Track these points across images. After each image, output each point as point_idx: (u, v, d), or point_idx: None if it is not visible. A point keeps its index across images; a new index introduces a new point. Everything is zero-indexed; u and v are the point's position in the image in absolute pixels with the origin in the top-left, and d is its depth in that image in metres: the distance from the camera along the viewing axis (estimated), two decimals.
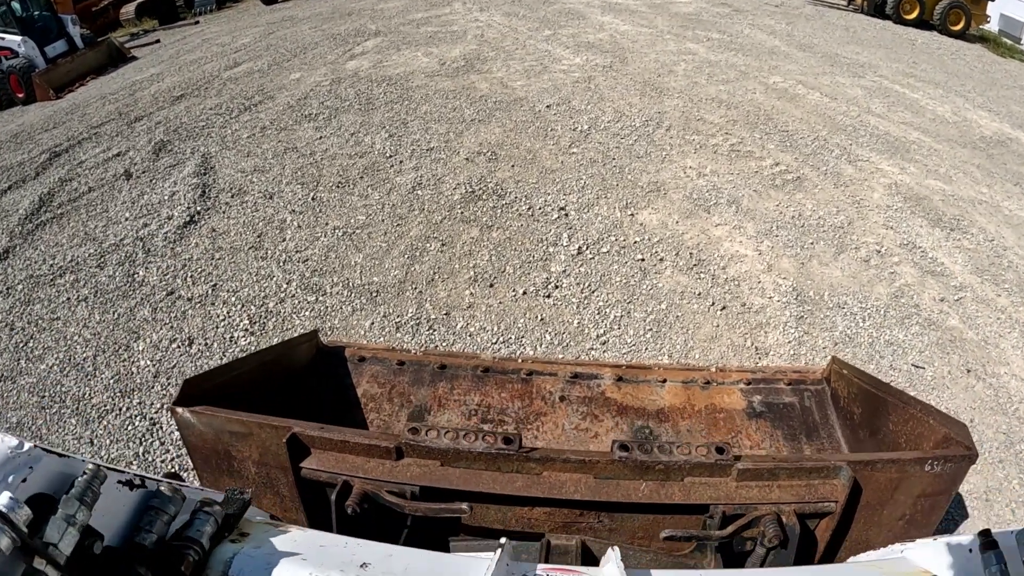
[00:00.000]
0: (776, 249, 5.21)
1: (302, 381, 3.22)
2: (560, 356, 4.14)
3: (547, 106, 7.49)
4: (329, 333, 4.40)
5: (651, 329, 4.38)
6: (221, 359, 4.25)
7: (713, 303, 4.64)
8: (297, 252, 5.16)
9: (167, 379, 4.16)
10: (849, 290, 4.88)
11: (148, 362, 4.27)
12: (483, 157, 6.32)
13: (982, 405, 4.18)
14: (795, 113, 7.75)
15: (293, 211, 5.66)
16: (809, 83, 8.85)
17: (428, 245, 5.14)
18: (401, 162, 6.30)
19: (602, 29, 10.94)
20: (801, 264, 5.09)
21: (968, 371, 4.43)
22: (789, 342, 4.38)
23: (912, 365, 4.41)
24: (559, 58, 9.31)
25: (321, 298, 4.70)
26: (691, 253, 5.09)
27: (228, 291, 4.84)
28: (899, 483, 2.36)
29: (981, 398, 4.24)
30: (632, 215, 5.52)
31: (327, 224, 5.46)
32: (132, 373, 4.21)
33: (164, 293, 4.84)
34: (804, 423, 3.38)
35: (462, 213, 5.48)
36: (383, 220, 5.46)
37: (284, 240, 5.31)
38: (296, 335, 3.53)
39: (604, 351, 4.21)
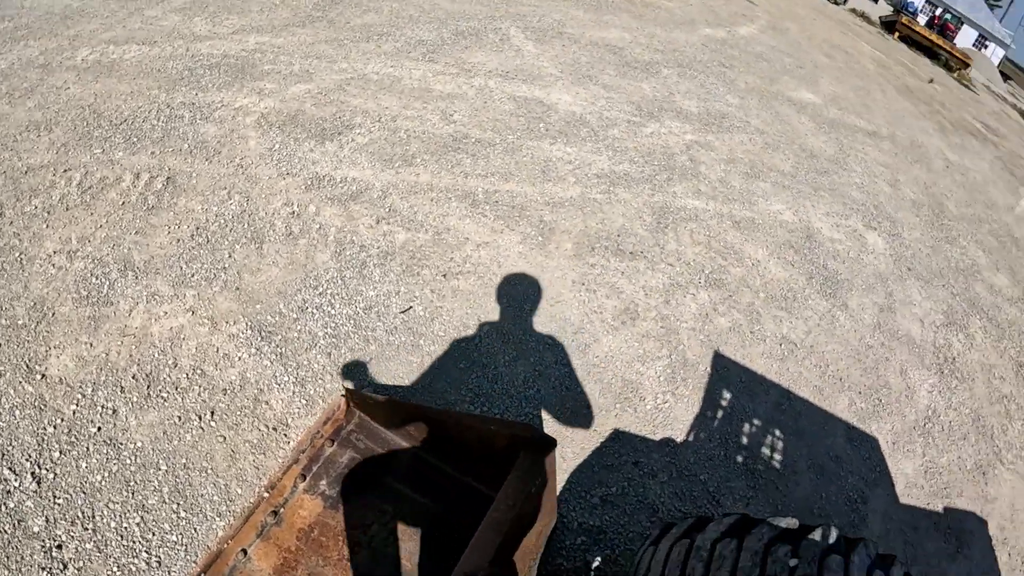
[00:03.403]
0: (203, 294, 5.12)
1: None
2: None
3: None
4: None
5: (174, 498, 4.16)
6: None
7: (198, 417, 4.50)
8: None
9: None
10: (293, 283, 5.10)
11: None
12: None
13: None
14: (122, 89, 7.29)
15: None
16: (120, 39, 8.29)
17: None
18: None
19: None
20: (237, 291, 5.11)
21: (445, 276, 5.14)
22: (293, 392, 4.51)
23: (401, 313, 4.95)
24: None
25: None
26: (137, 375, 4.76)
27: None
28: (521, 517, 2.86)
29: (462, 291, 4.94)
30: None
31: None
32: None
33: None
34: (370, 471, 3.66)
35: None
36: None
37: None
38: None
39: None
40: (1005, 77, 50.31)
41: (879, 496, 5.86)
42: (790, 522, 2.91)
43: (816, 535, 2.77)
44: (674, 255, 6.88)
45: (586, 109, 8.50)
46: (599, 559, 4.32)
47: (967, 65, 32.96)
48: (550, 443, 2.91)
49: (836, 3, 35.85)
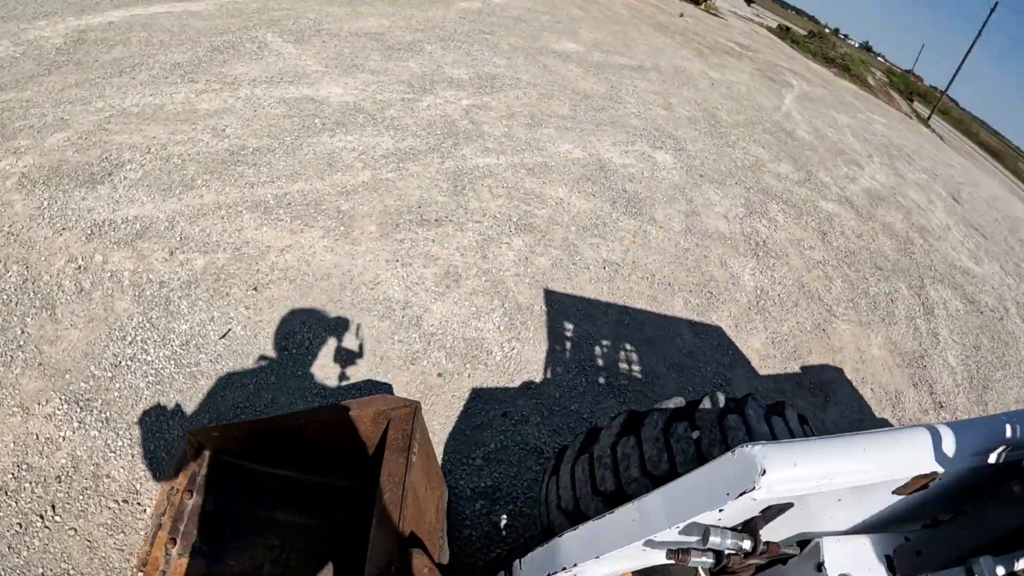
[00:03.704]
0: (3, 380, 4.53)
1: None
2: None
3: None
4: None
5: None
6: None
7: (40, 517, 3.96)
8: None
9: None
10: (99, 341, 4.74)
11: None
12: None
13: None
14: None
15: None
16: None
17: None
18: None
19: None
20: (40, 367, 4.62)
21: (256, 288, 5.02)
22: (132, 456, 4.14)
23: (220, 339, 4.73)
24: None
25: None
26: None
27: None
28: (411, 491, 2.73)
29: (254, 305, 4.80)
30: None
31: None
32: None
33: None
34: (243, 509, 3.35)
35: None
36: None
37: None
38: None
39: None
40: (748, 1, 54.63)
41: (740, 375, 6.24)
42: (677, 401, 3.01)
43: (706, 404, 2.88)
44: (479, 212, 6.99)
45: (359, 97, 8.46)
46: (504, 516, 4.35)
47: None
48: (414, 406, 2.86)
49: None
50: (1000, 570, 2.29)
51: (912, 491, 2.08)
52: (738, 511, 1.82)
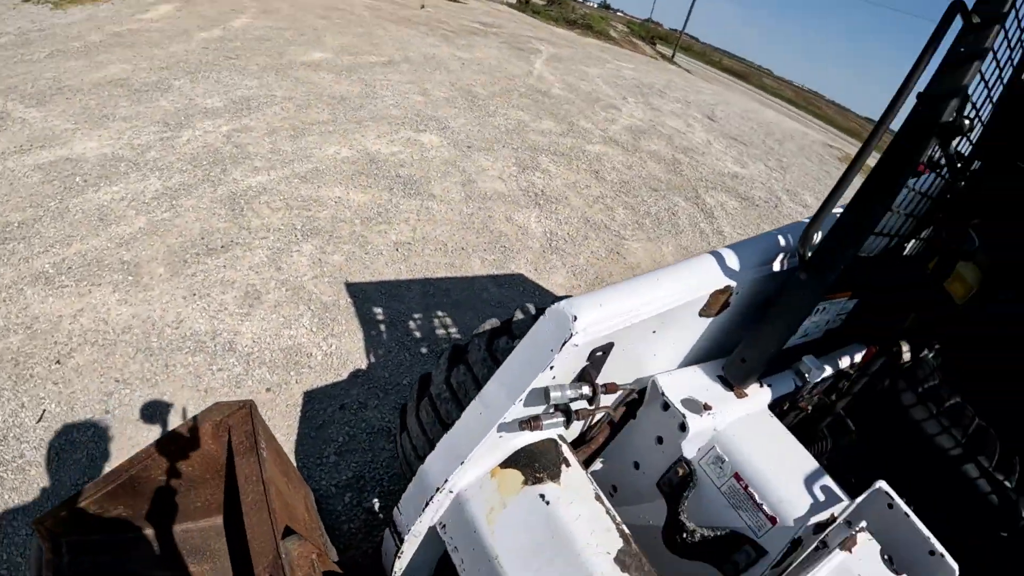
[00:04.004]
0: None
1: None
2: None
3: None
4: None
5: None
6: None
7: None
8: None
9: None
10: None
11: None
12: None
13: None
14: None
15: None
16: None
17: None
18: None
19: None
20: None
21: (59, 362, 4.97)
22: None
23: (38, 423, 4.60)
24: None
25: None
26: None
27: None
28: (277, 482, 2.76)
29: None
30: None
31: None
32: None
33: None
34: None
35: None
36: None
37: None
38: None
39: None
40: None
41: None
42: (492, 322, 3.31)
43: (519, 315, 3.19)
44: (262, 229, 7.10)
45: (115, 146, 8.20)
46: (376, 500, 4.52)
47: None
48: (248, 405, 2.85)
49: None
50: (827, 368, 2.70)
51: (716, 311, 2.38)
52: (567, 364, 1.99)
